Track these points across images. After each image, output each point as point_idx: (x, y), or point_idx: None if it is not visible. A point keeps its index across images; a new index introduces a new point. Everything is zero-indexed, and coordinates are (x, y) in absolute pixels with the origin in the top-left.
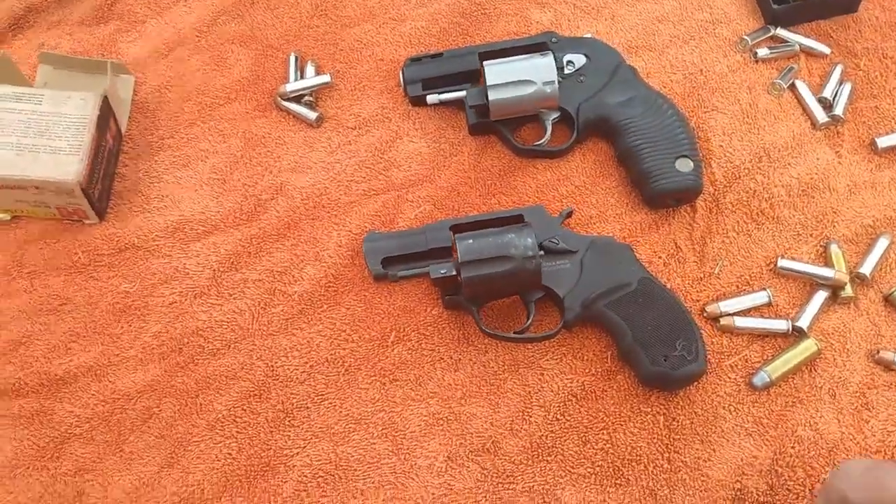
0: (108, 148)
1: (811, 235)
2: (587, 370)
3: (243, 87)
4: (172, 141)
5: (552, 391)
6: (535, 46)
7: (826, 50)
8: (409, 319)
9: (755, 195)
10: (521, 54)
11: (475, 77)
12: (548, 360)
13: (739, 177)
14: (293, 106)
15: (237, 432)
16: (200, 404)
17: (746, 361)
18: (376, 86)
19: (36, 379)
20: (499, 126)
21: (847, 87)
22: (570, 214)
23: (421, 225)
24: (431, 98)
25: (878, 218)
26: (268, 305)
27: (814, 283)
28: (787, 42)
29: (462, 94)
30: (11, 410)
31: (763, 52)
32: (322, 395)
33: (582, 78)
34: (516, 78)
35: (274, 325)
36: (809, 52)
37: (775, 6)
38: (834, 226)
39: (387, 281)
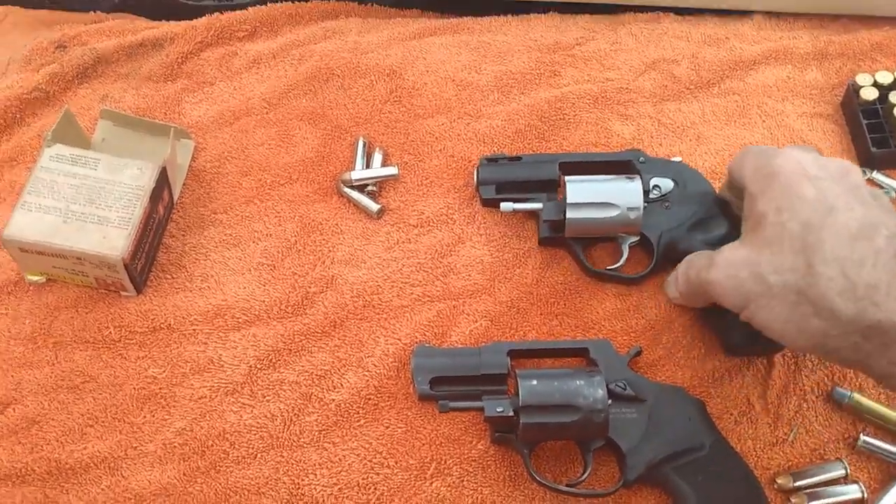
0: (158, 219)
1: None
2: None
3: (306, 168)
4: (226, 217)
5: None
6: (620, 165)
7: None
8: (452, 451)
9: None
10: (606, 172)
11: (552, 186)
12: None
13: None
14: (355, 194)
15: None
16: None
17: None
18: (444, 183)
19: (44, 466)
20: (571, 243)
21: None
22: (638, 353)
23: (474, 343)
24: (506, 206)
25: None
26: (301, 412)
27: None
28: (884, 188)
29: (538, 206)
30: (14, 499)
31: None
32: None
33: (667, 204)
34: (599, 200)
35: (305, 435)
36: None
37: (874, 149)
38: None
39: (432, 403)
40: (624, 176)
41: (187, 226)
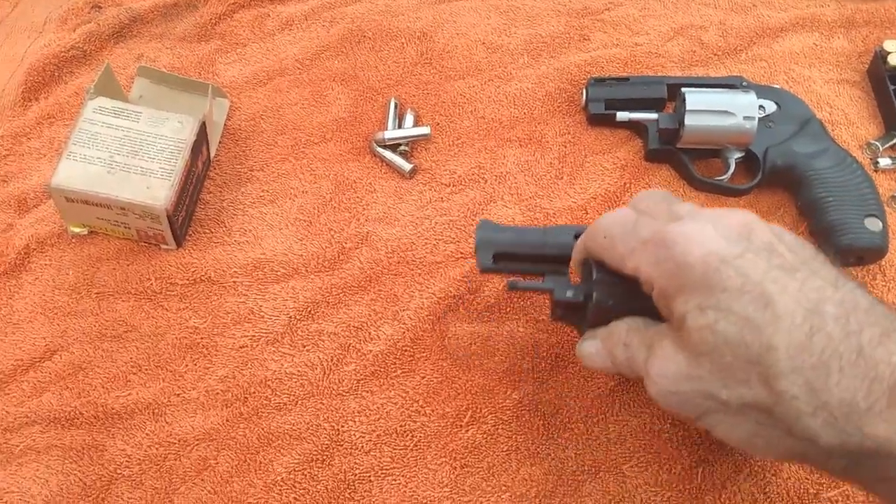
0: (197, 174)
1: None
2: (674, 485)
3: (339, 128)
4: (262, 174)
5: (633, 503)
6: (726, 86)
7: None
8: (486, 400)
9: None
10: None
11: (660, 105)
12: (631, 466)
13: None
14: (388, 154)
15: (295, 499)
16: (260, 462)
17: None
18: (475, 143)
19: (91, 410)
20: (681, 154)
21: None
22: None
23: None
24: (622, 115)
25: None
26: (340, 362)
27: None
28: None
29: (654, 116)
30: (63, 441)
31: (885, 161)
32: (387, 469)
33: (771, 124)
34: (717, 108)
35: (344, 384)
36: None
37: None
38: None
39: (495, 275)
40: (738, 89)
41: (224, 182)
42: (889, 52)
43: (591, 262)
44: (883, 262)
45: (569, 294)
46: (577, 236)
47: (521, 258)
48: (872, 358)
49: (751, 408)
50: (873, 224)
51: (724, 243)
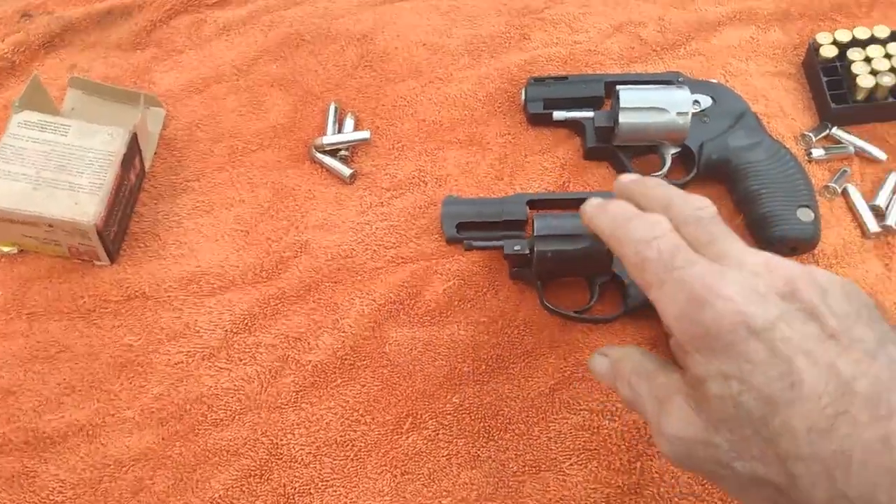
0: (130, 187)
1: None
2: (613, 480)
3: (278, 134)
4: (198, 184)
5: (574, 500)
6: (663, 83)
7: (883, 156)
8: (427, 406)
9: None
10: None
11: (597, 103)
12: (571, 464)
13: None
14: (328, 160)
15: None
16: (197, 480)
17: None
18: (416, 146)
19: (22, 436)
20: (618, 152)
21: None
22: None
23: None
24: (558, 114)
25: None
26: (278, 374)
27: None
28: (842, 144)
29: (590, 114)
30: None
31: (818, 152)
32: (327, 481)
33: (706, 119)
34: (650, 105)
35: (283, 397)
36: (864, 156)
37: (834, 105)
38: None
39: (457, 246)
40: (672, 85)
41: (159, 194)
42: (821, 45)
43: (532, 217)
44: (816, 252)
45: (516, 248)
46: (529, 203)
47: (482, 226)
48: None
49: (765, 484)
50: (805, 215)
51: (759, 308)
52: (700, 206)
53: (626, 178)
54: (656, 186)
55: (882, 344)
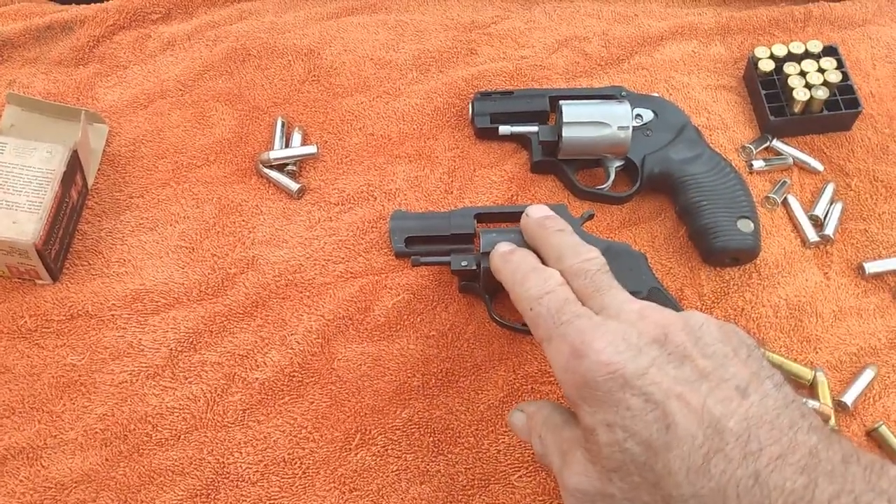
0: (72, 204)
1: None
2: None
3: (223, 150)
4: (142, 201)
5: None
6: (605, 97)
7: (820, 167)
8: (376, 421)
9: (742, 314)
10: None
11: (543, 118)
12: (520, 476)
13: (728, 293)
14: (274, 174)
15: None
16: (141, 501)
17: None
18: (364, 161)
19: None
20: (563, 165)
21: (838, 207)
22: (591, 217)
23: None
24: (504, 129)
25: (861, 346)
26: (225, 392)
27: None
28: (782, 155)
29: (535, 128)
30: None
31: (759, 164)
32: (275, 499)
33: (648, 132)
34: (592, 119)
35: (229, 415)
36: (803, 167)
37: (772, 117)
38: (817, 352)
39: (406, 260)
40: (614, 100)
41: (103, 211)
42: (759, 59)
43: (479, 232)
44: (758, 262)
45: (463, 263)
46: (476, 216)
47: (430, 240)
48: (767, 485)
49: None
50: (745, 226)
51: (631, 357)
52: (588, 257)
53: (534, 215)
54: (553, 234)
55: (756, 380)
